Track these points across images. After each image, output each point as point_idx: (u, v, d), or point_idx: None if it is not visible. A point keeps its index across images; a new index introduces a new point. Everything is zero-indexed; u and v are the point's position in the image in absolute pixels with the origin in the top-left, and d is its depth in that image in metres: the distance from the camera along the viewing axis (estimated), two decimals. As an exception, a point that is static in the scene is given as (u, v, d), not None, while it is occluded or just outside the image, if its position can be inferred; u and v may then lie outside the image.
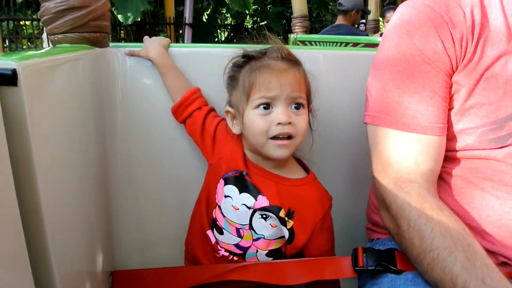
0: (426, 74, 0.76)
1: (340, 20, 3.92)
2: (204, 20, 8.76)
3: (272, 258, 0.96)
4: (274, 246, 0.95)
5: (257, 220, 0.92)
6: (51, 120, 0.65)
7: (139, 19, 5.49)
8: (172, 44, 1.08)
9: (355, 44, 3.13)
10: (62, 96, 0.73)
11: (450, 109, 0.79)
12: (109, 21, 1.06)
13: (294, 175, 0.96)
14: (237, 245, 0.95)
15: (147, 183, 1.15)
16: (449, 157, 0.83)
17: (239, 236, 0.94)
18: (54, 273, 0.62)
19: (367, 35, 4.27)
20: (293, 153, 0.93)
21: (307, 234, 0.94)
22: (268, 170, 0.94)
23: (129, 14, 5.26)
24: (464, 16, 0.74)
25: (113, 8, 5.17)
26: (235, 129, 0.94)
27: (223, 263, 0.97)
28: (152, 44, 1.05)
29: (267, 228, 0.93)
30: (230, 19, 9.85)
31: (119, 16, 5.26)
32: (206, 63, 1.08)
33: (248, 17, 9.80)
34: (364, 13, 4.31)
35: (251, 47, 0.94)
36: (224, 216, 0.95)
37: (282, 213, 0.91)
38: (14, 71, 0.53)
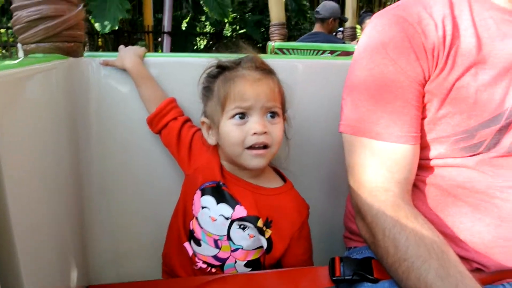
0: (399, 84, 0.78)
1: (317, 28, 3.97)
2: (183, 28, 8.74)
3: (250, 269, 0.96)
4: (252, 256, 0.95)
5: (235, 230, 0.92)
6: (22, 131, 0.64)
7: (116, 28, 5.44)
8: (148, 54, 1.07)
9: (332, 52, 3.17)
10: (35, 107, 0.71)
11: (423, 118, 0.81)
12: (84, 31, 1.04)
13: (271, 184, 0.96)
14: (215, 257, 0.94)
15: (122, 194, 1.13)
16: (423, 166, 0.84)
17: (217, 247, 0.94)
18: None
19: (344, 42, 4.33)
20: (270, 162, 0.93)
21: (285, 244, 0.94)
22: (245, 180, 0.94)
23: (106, 23, 5.20)
24: (435, 27, 0.76)
25: (90, 17, 5.11)
26: (211, 140, 0.94)
27: (201, 275, 0.96)
28: (127, 54, 1.04)
29: (245, 238, 0.92)
30: (209, 27, 9.86)
31: (96, 25, 5.20)
32: (183, 72, 1.07)
33: (227, 25, 9.82)
34: (341, 21, 4.37)
35: (228, 57, 0.94)
36: (201, 228, 0.94)
37: (260, 223, 0.91)
38: None
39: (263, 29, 9.52)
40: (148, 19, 7.43)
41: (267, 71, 0.91)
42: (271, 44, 3.33)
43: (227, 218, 0.91)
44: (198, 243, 0.95)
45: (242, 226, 0.92)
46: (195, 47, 9.24)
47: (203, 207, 0.93)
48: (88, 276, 1.10)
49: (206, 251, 0.94)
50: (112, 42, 7.68)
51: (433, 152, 0.82)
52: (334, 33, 4.26)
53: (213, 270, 0.95)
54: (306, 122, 1.15)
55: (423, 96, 0.79)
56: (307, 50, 3.21)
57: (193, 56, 1.13)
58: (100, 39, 7.71)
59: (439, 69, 0.77)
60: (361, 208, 0.81)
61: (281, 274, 0.92)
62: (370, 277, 0.82)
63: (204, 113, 0.96)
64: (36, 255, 0.67)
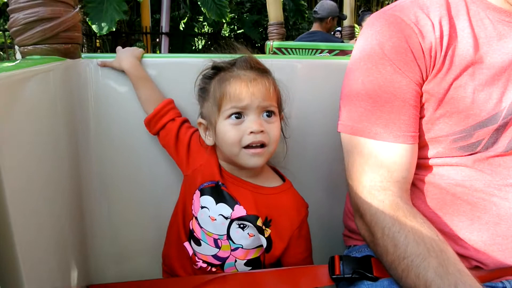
0: (397, 84, 0.78)
1: (316, 27, 3.97)
2: (181, 29, 8.73)
3: (250, 268, 0.96)
4: (252, 255, 0.95)
5: (235, 230, 0.92)
6: (20, 134, 0.64)
7: (114, 29, 5.42)
8: (145, 54, 1.07)
9: (330, 51, 3.17)
10: (33, 108, 0.71)
11: (421, 118, 0.81)
12: (81, 32, 1.04)
13: (270, 184, 0.96)
14: (215, 256, 0.95)
15: (122, 194, 1.13)
16: (421, 165, 0.84)
17: (217, 246, 0.94)
18: None
19: (343, 41, 4.33)
20: (268, 161, 0.93)
21: (284, 242, 0.94)
22: (244, 180, 0.94)
23: (103, 25, 5.17)
24: (432, 27, 0.76)
25: (87, 19, 5.10)
26: (208, 141, 0.94)
27: (201, 275, 0.96)
28: (125, 55, 1.04)
29: (245, 237, 0.93)
30: (207, 27, 9.85)
31: (94, 27, 5.17)
32: (181, 73, 1.08)
33: (225, 25, 9.81)
34: (340, 19, 4.37)
35: (225, 57, 0.95)
36: (201, 227, 0.94)
37: (259, 222, 0.91)
38: None
39: (261, 29, 9.52)
40: (146, 20, 7.42)
41: (262, 71, 0.91)
42: (270, 44, 3.33)
43: (226, 218, 0.91)
44: (198, 242, 0.95)
45: (241, 226, 0.92)
46: (193, 48, 9.23)
47: (202, 207, 0.93)
48: (89, 275, 1.10)
49: (206, 250, 0.95)
50: (110, 43, 7.67)
51: (432, 151, 0.82)
52: (332, 32, 4.26)
53: (213, 269, 0.95)
54: (305, 121, 1.16)
55: (421, 96, 0.80)
56: (305, 49, 3.22)
57: (191, 57, 1.13)
58: (98, 40, 7.70)
59: (436, 69, 0.77)
60: (360, 207, 0.82)
61: (281, 273, 0.92)
62: (369, 275, 0.82)
63: (200, 114, 0.96)
64: (37, 255, 0.67)
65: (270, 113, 0.89)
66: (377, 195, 0.79)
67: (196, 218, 0.95)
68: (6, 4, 0.92)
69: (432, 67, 0.77)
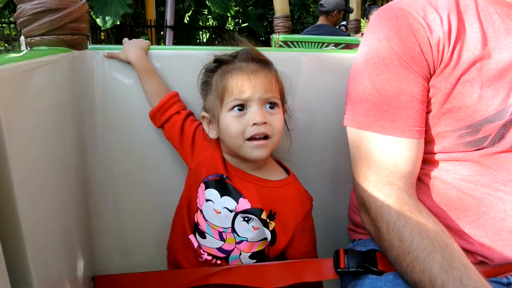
0: (404, 78, 0.77)
1: (322, 20, 3.95)
2: (186, 22, 8.71)
3: (255, 260, 0.96)
4: (257, 248, 0.95)
5: (239, 223, 0.92)
6: (27, 125, 0.64)
7: (118, 23, 5.40)
8: (152, 46, 1.07)
9: (337, 44, 3.15)
10: (40, 100, 0.71)
11: (428, 112, 0.80)
12: (88, 23, 1.04)
13: (274, 177, 0.96)
14: (220, 249, 0.95)
15: (127, 186, 1.13)
16: (428, 159, 0.84)
17: (222, 239, 0.94)
18: (32, 280, 0.61)
19: (349, 35, 4.31)
20: (271, 153, 0.93)
21: (288, 236, 0.94)
22: (248, 173, 0.94)
23: (107, 18, 5.16)
24: (441, 21, 0.75)
25: (91, 13, 5.09)
26: (212, 134, 0.94)
27: (206, 267, 0.97)
28: (132, 47, 1.04)
29: (249, 230, 0.93)
30: (212, 20, 9.83)
31: (98, 20, 5.16)
32: (186, 65, 1.07)
33: (229, 19, 9.78)
34: (346, 12, 4.35)
35: (230, 49, 0.94)
36: (206, 220, 0.94)
37: (263, 215, 0.91)
38: None
39: (266, 23, 9.49)
40: (151, 13, 7.41)
41: (264, 62, 0.91)
42: (276, 37, 3.31)
43: (231, 211, 0.92)
44: (203, 235, 0.95)
45: (246, 219, 0.92)
46: (198, 41, 9.21)
47: (207, 200, 0.94)
48: (94, 267, 1.11)
49: (211, 243, 0.95)
50: (114, 36, 7.67)
51: (438, 146, 0.82)
52: (337, 26, 4.24)
53: (218, 262, 0.96)
54: (310, 114, 1.15)
55: (428, 91, 0.79)
56: (311, 42, 3.20)
57: (197, 49, 1.13)
58: (102, 33, 7.70)
59: (444, 64, 0.76)
60: (366, 201, 0.82)
61: (286, 266, 0.93)
62: (374, 269, 0.82)
63: (204, 107, 0.97)
64: (44, 247, 0.68)
65: (272, 105, 0.89)
66: (383, 190, 0.79)
67: (201, 211, 0.95)
68: (12, -4, 0.92)
69: (440, 62, 0.76)
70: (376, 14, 0.84)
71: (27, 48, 0.99)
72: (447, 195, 0.82)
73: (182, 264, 1.00)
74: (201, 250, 0.97)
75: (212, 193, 0.93)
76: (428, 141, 0.83)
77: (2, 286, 0.54)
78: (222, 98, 0.88)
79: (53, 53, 0.85)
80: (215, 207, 0.93)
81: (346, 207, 1.08)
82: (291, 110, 1.02)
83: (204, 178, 0.95)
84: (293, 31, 3.98)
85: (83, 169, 1.02)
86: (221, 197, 0.92)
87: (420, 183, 0.85)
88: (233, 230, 0.93)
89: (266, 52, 0.96)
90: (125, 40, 1.08)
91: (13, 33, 8.26)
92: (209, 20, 9.80)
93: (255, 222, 0.92)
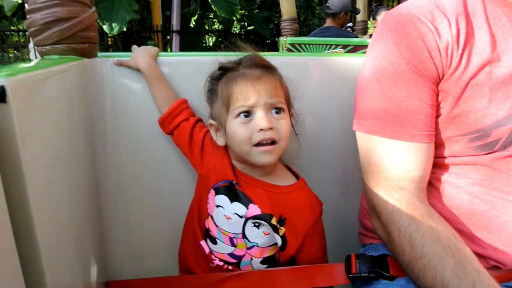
0: (413, 83, 0.77)
1: (329, 22, 3.95)
2: (191, 26, 8.75)
3: (266, 266, 0.96)
4: (268, 253, 0.95)
5: (250, 228, 0.92)
6: (40, 133, 0.65)
7: (125, 29, 5.44)
8: (160, 53, 1.08)
9: (344, 46, 3.14)
10: (51, 108, 0.72)
11: (437, 116, 0.80)
12: (97, 31, 1.05)
13: (284, 182, 0.96)
14: (231, 254, 0.95)
15: (138, 192, 1.14)
16: (438, 164, 0.84)
17: (233, 245, 0.94)
18: (47, 286, 0.62)
19: (357, 36, 4.30)
20: (279, 158, 0.93)
21: (299, 241, 0.94)
22: (258, 178, 0.95)
23: (114, 25, 5.20)
24: (449, 25, 0.75)
25: (98, 20, 5.13)
26: (220, 141, 0.95)
27: (217, 272, 0.97)
28: (141, 54, 1.05)
29: (260, 236, 0.93)
30: (218, 24, 9.86)
31: (105, 27, 5.20)
32: (195, 71, 1.08)
33: (235, 22, 9.81)
34: (353, 13, 4.34)
35: (239, 55, 0.95)
36: (217, 226, 0.95)
37: (274, 221, 0.91)
38: (2, 88, 0.52)
39: (272, 25, 9.50)
40: (157, 18, 7.45)
41: (268, 68, 0.92)
42: (283, 40, 3.31)
43: (241, 217, 0.92)
44: (214, 241, 0.96)
45: (256, 224, 0.92)
46: (204, 45, 9.25)
47: (217, 206, 0.94)
48: (107, 272, 1.12)
49: (222, 249, 0.95)
50: (121, 42, 7.72)
51: (448, 150, 0.82)
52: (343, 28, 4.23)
53: (230, 267, 0.96)
54: (319, 119, 1.16)
55: (437, 95, 0.79)
56: (319, 45, 3.19)
57: (205, 55, 1.13)
58: (109, 39, 7.75)
59: (453, 68, 0.76)
60: (376, 206, 0.81)
61: (298, 271, 0.93)
62: (386, 274, 0.82)
63: (210, 115, 0.97)
64: (58, 252, 0.69)
65: (278, 110, 0.89)
66: (393, 194, 0.79)
67: (211, 217, 0.96)
68: (22, 5, 0.93)
69: (449, 66, 0.76)
70: (384, 19, 0.84)
71: (36, 56, 1.00)
72: (458, 199, 0.82)
73: (193, 269, 1.01)
74: (213, 256, 0.97)
75: (222, 199, 0.93)
76: (438, 145, 0.82)
77: None
78: (228, 105, 0.88)
79: (64, 62, 0.86)
80: (225, 213, 0.93)
81: (356, 211, 1.08)
82: (299, 114, 1.02)
83: (214, 184, 0.95)
84: (299, 34, 3.98)
85: (94, 176, 1.03)
86: (231, 203, 0.93)
87: (431, 187, 0.85)
88: (244, 235, 0.93)
89: (272, 57, 0.97)
90: (134, 47, 1.08)
91: (22, 40, 8.35)
92: (215, 23, 9.83)
93: (265, 228, 0.92)
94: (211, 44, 9.62)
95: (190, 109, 1.04)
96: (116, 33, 5.34)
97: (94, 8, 1.01)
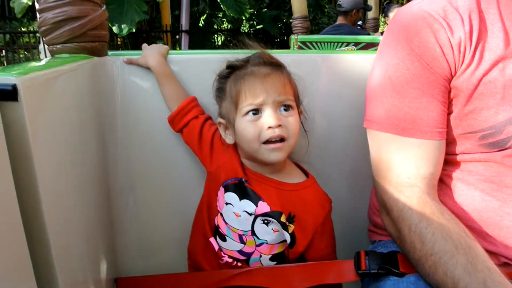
0: (425, 80, 0.77)
1: (340, 20, 3.92)
2: (200, 25, 8.77)
3: (276, 262, 0.96)
4: (277, 250, 0.96)
5: (259, 225, 0.93)
6: (51, 132, 0.66)
7: (134, 30, 5.46)
8: (170, 51, 1.08)
9: (356, 44, 3.12)
10: (62, 107, 0.73)
11: (449, 113, 0.80)
12: (107, 30, 1.06)
13: (293, 180, 0.96)
14: (240, 251, 0.95)
15: (148, 190, 1.15)
16: (449, 161, 0.83)
17: (242, 242, 0.95)
18: (58, 282, 0.62)
19: (369, 34, 4.26)
20: (289, 155, 0.93)
21: (308, 238, 0.94)
22: (267, 176, 0.95)
23: (123, 26, 5.22)
24: (462, 21, 0.74)
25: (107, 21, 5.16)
26: (229, 139, 0.95)
27: (227, 269, 0.97)
28: (151, 52, 1.05)
29: (269, 233, 0.93)
30: (227, 23, 9.87)
31: (114, 28, 5.23)
32: (205, 69, 1.08)
33: (244, 21, 9.81)
34: (365, 10, 4.31)
35: (247, 52, 0.95)
36: (226, 223, 0.95)
37: (283, 218, 0.91)
38: (14, 86, 0.53)
39: (281, 24, 9.49)
40: (166, 18, 7.48)
41: (276, 65, 0.92)
42: (294, 38, 3.29)
43: (250, 214, 0.92)
44: (223, 238, 0.96)
45: (265, 221, 0.92)
46: (213, 44, 9.26)
47: (227, 203, 0.94)
48: (116, 269, 1.13)
49: (232, 246, 0.96)
50: (131, 42, 7.76)
51: (460, 147, 0.81)
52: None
53: (239, 264, 0.96)
54: (329, 116, 1.15)
55: (449, 92, 0.78)
56: (331, 42, 3.17)
57: (215, 53, 1.13)
58: (119, 39, 7.80)
59: (465, 65, 0.75)
60: (387, 203, 0.81)
61: (307, 268, 0.93)
62: (396, 271, 0.82)
63: (219, 114, 0.97)
64: (68, 249, 0.69)
65: (287, 107, 0.89)
66: (404, 191, 0.78)
67: (221, 214, 0.96)
68: (32, 6, 0.94)
69: (461, 62, 0.75)
70: (396, 16, 0.84)
71: (46, 56, 1.01)
72: (469, 196, 0.81)
73: (203, 266, 1.01)
74: (222, 253, 0.97)
75: (232, 196, 0.94)
76: (450, 142, 0.82)
77: (29, 287, 0.56)
78: (236, 103, 0.88)
79: (75, 61, 0.87)
80: (235, 210, 0.93)
81: (366, 208, 1.08)
82: (308, 112, 1.02)
83: (224, 181, 0.95)
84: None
85: (105, 173, 1.04)
86: (240, 200, 0.93)
87: (442, 184, 0.84)
88: (253, 233, 0.93)
89: (281, 54, 0.97)
90: (144, 45, 1.09)
91: (32, 40, 8.43)
92: (224, 23, 9.85)
93: (274, 225, 0.92)
94: (220, 43, 9.64)
95: (200, 107, 1.05)
96: (125, 34, 5.36)
97: (104, 7, 1.02)
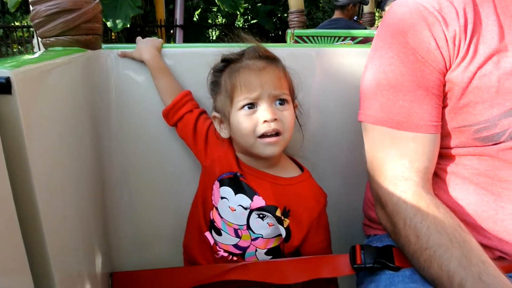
0: (420, 73, 0.77)
1: (337, 14, 3.90)
2: (195, 20, 8.73)
3: (271, 257, 0.97)
4: (272, 244, 0.96)
5: (254, 220, 0.93)
6: (45, 125, 0.65)
7: (128, 26, 5.42)
8: (164, 45, 1.08)
9: (353, 38, 3.11)
10: (56, 100, 0.72)
11: (444, 107, 0.80)
12: (101, 23, 1.05)
13: (288, 174, 0.96)
14: (236, 246, 0.95)
15: (143, 184, 1.15)
16: (444, 154, 0.83)
17: (238, 236, 0.94)
18: (53, 277, 0.62)
19: (365, 28, 4.25)
20: (285, 151, 0.93)
21: (303, 232, 0.94)
22: (262, 170, 0.94)
23: (118, 21, 5.18)
24: (456, 15, 0.74)
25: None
26: (223, 133, 0.94)
27: (222, 263, 0.97)
28: (145, 45, 1.04)
29: (264, 227, 0.93)
30: (221, 18, 9.84)
31: (108, 23, 5.19)
32: (199, 63, 1.07)
33: (238, 16, 9.78)
34: (362, 4, 4.30)
35: (243, 46, 0.94)
36: (221, 217, 0.95)
37: (278, 212, 0.91)
38: (8, 79, 0.52)
39: (275, 19, 9.47)
40: (160, 13, 7.43)
41: (271, 59, 0.91)
42: (290, 32, 3.27)
43: (245, 208, 0.92)
44: (218, 232, 0.96)
45: (261, 216, 0.92)
46: (207, 39, 9.23)
47: (222, 198, 0.94)
48: (112, 263, 1.13)
49: (227, 240, 0.95)
50: (125, 36, 7.72)
51: (454, 141, 0.81)
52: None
53: (234, 258, 0.96)
54: (324, 110, 1.15)
55: (444, 85, 0.78)
56: (327, 37, 3.16)
57: (209, 46, 1.13)
58: (113, 34, 7.75)
59: (460, 58, 0.75)
60: (382, 197, 0.81)
61: (302, 262, 0.93)
62: (391, 265, 0.82)
63: (214, 108, 0.97)
64: (63, 243, 0.69)
65: (282, 101, 0.88)
66: (399, 185, 0.78)
67: (216, 208, 0.96)
68: (25, 0, 0.93)
69: (456, 56, 0.76)
70: (391, 9, 0.83)
71: (39, 49, 1.00)
72: (464, 190, 0.81)
73: (198, 260, 1.01)
74: (217, 247, 0.97)
75: (227, 190, 0.93)
76: (444, 135, 0.82)
77: (25, 282, 0.56)
78: (231, 97, 0.88)
79: (68, 54, 0.86)
80: (230, 205, 0.93)
81: (361, 202, 1.08)
82: (303, 105, 1.02)
83: (218, 176, 0.95)
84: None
85: (99, 167, 1.04)
86: (235, 194, 0.93)
87: (437, 178, 0.85)
88: (248, 227, 0.93)
89: (276, 48, 0.96)
90: (139, 39, 1.08)
91: (26, 35, 8.36)
92: (218, 17, 9.81)
93: (270, 219, 0.92)
94: (214, 38, 9.61)
95: (194, 101, 1.04)
96: (119, 29, 5.32)
97: (98, 0, 1.01)
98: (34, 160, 0.57)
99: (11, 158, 0.53)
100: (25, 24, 8.26)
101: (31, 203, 0.58)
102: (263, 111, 0.86)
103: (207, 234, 0.98)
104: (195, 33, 8.25)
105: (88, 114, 0.95)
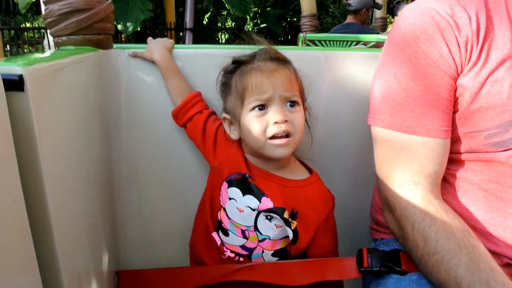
0: (431, 78, 0.76)
1: (350, 19, 3.88)
2: (205, 23, 8.77)
3: (278, 258, 0.97)
4: (279, 246, 0.96)
5: (262, 221, 0.93)
6: (57, 123, 0.66)
7: (139, 29, 5.44)
8: (175, 46, 1.08)
9: (365, 43, 3.09)
10: (67, 98, 0.73)
11: (454, 112, 0.79)
12: (113, 23, 1.06)
13: (297, 176, 0.96)
14: (243, 247, 0.95)
15: (151, 183, 1.15)
16: (454, 160, 0.83)
17: (245, 237, 0.94)
18: (61, 274, 0.62)
19: (378, 33, 4.23)
20: (294, 153, 0.93)
21: (310, 235, 0.94)
22: (271, 172, 0.94)
23: (128, 24, 5.21)
24: (469, 20, 0.74)
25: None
26: (233, 135, 0.94)
27: (229, 264, 0.97)
28: (156, 46, 1.05)
29: (272, 229, 0.93)
30: (231, 21, 9.87)
31: (119, 27, 5.22)
32: (210, 64, 1.08)
33: (248, 20, 9.81)
34: (375, 9, 4.28)
35: (254, 48, 0.95)
36: (229, 218, 0.95)
37: (286, 214, 0.91)
38: (20, 77, 0.52)
39: (285, 23, 9.48)
40: (170, 16, 7.48)
41: (283, 61, 0.91)
42: (302, 36, 3.27)
43: (253, 210, 0.92)
44: (226, 233, 0.96)
45: (268, 217, 0.92)
46: (217, 42, 9.27)
47: (230, 198, 0.94)
48: (119, 261, 1.13)
49: (234, 241, 0.96)
50: (135, 39, 7.77)
51: (465, 146, 0.81)
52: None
53: (241, 259, 0.96)
54: (333, 112, 1.15)
55: (455, 90, 0.78)
56: (339, 41, 3.15)
57: (220, 48, 1.13)
58: (123, 36, 7.80)
59: (472, 63, 0.75)
60: (390, 201, 0.81)
61: (309, 264, 0.92)
62: (398, 269, 0.81)
63: (224, 109, 0.97)
64: (72, 241, 0.69)
65: (293, 103, 0.89)
66: (408, 189, 0.78)
67: (224, 209, 0.96)
68: (36, 1, 0.94)
69: (468, 61, 0.75)
70: (403, 12, 0.83)
71: (49, 49, 1.01)
72: (473, 196, 0.81)
73: (204, 260, 1.01)
74: (224, 248, 0.97)
75: (235, 191, 0.94)
76: (455, 141, 0.81)
77: (33, 280, 0.56)
78: (242, 98, 0.88)
79: (80, 53, 0.87)
80: (238, 206, 0.93)
81: (368, 206, 1.08)
82: (312, 108, 1.02)
83: (227, 176, 0.95)
84: (313, 32, 3.93)
85: (108, 166, 1.04)
86: (243, 195, 0.93)
87: (446, 183, 0.84)
88: (256, 228, 0.93)
89: (286, 50, 0.96)
90: (150, 39, 1.09)
91: (36, 36, 8.45)
92: (228, 21, 9.84)
93: (277, 221, 0.92)
94: (223, 41, 9.64)
95: (204, 102, 1.04)
96: (130, 33, 5.35)
97: (110, 0, 1.02)
98: (45, 157, 0.58)
99: (22, 154, 0.54)
100: (36, 25, 8.34)
101: (41, 202, 0.58)
102: (274, 113, 0.86)
103: (214, 234, 0.99)
104: (204, 36, 8.28)
105: (99, 113, 0.95)
